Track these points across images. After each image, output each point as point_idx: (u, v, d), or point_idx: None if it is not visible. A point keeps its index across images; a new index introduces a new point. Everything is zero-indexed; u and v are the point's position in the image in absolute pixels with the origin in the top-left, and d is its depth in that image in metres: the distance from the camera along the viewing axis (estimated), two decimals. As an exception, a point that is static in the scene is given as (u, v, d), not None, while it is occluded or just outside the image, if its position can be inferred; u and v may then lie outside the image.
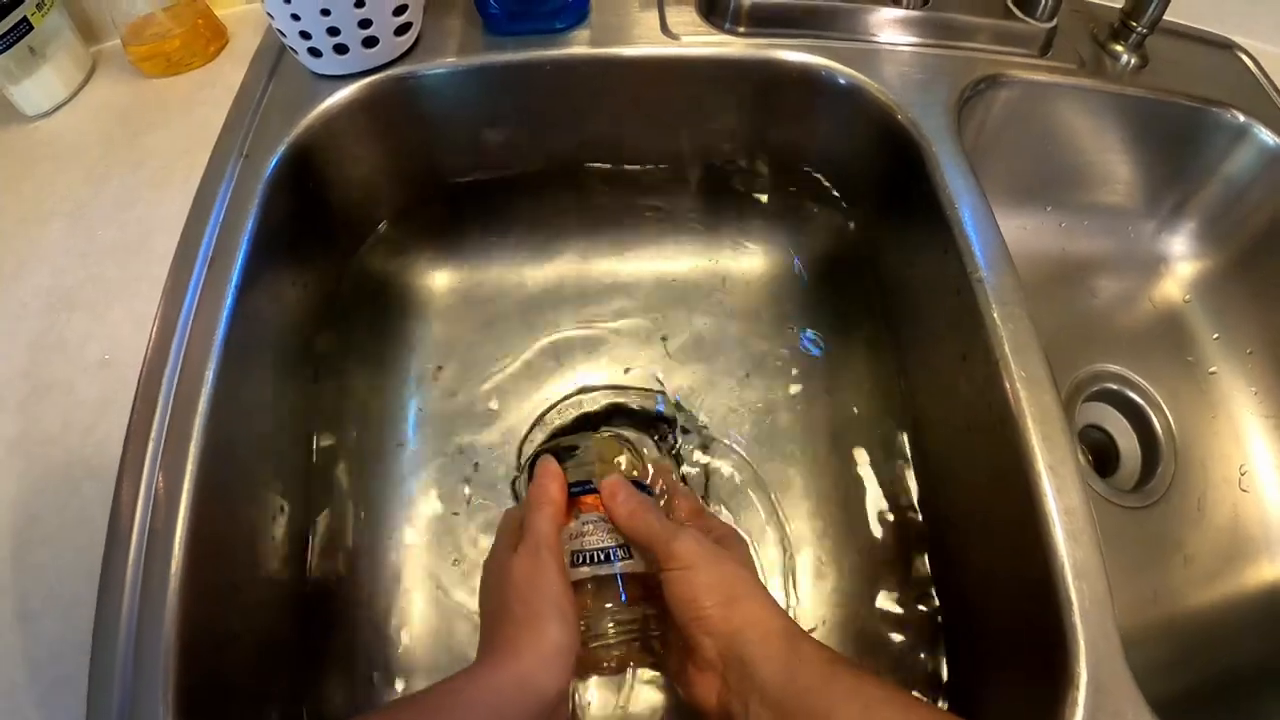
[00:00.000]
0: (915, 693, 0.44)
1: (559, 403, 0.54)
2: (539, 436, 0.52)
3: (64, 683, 0.35)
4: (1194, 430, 0.55)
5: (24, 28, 0.52)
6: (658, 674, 0.44)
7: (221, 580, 0.38)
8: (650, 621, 0.38)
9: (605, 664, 0.42)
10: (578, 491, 0.40)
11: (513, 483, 0.51)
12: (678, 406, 0.53)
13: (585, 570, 0.37)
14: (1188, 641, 0.48)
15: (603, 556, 0.38)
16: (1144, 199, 0.59)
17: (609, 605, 0.37)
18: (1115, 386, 0.57)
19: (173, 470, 0.37)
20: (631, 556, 0.38)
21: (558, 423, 0.53)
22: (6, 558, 0.38)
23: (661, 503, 0.43)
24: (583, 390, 0.54)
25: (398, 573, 0.48)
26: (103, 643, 0.33)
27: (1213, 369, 0.57)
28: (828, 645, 0.34)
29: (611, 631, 0.38)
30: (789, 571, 0.48)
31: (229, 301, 0.41)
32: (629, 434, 0.51)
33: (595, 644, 0.37)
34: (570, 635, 0.34)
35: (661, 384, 0.54)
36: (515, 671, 0.32)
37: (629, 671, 0.44)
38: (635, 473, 0.43)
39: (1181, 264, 0.60)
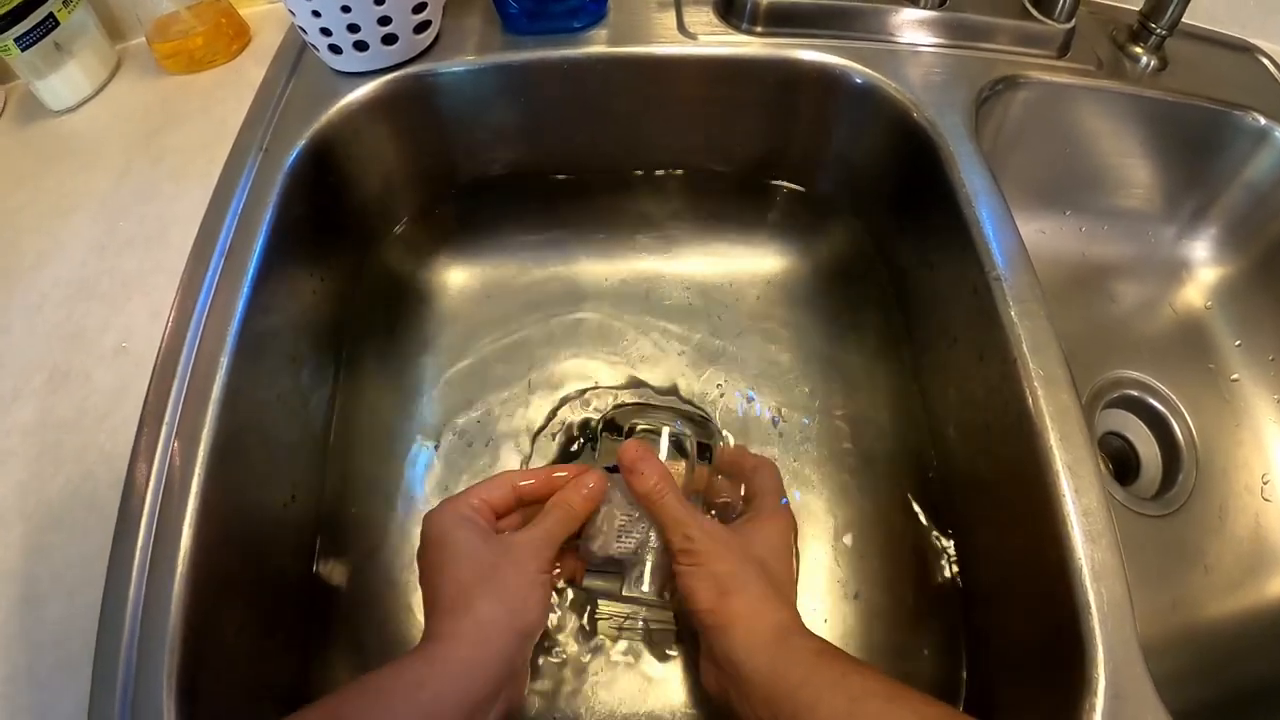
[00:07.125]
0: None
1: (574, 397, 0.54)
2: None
3: (66, 666, 0.35)
4: (1215, 438, 0.54)
5: (50, 23, 0.53)
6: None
7: (228, 567, 0.38)
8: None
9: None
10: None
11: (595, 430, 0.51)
12: (692, 414, 0.52)
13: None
14: (1207, 652, 0.47)
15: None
16: (1164, 203, 0.59)
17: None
18: (1136, 393, 0.56)
19: (184, 457, 0.37)
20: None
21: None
22: (16, 542, 0.39)
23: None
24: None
25: (408, 564, 0.48)
26: (109, 626, 0.33)
27: (1235, 376, 0.56)
28: (819, 636, 0.34)
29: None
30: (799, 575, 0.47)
31: (244, 293, 0.42)
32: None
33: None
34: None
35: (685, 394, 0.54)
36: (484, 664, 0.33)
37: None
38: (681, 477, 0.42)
39: (1203, 269, 0.59)
